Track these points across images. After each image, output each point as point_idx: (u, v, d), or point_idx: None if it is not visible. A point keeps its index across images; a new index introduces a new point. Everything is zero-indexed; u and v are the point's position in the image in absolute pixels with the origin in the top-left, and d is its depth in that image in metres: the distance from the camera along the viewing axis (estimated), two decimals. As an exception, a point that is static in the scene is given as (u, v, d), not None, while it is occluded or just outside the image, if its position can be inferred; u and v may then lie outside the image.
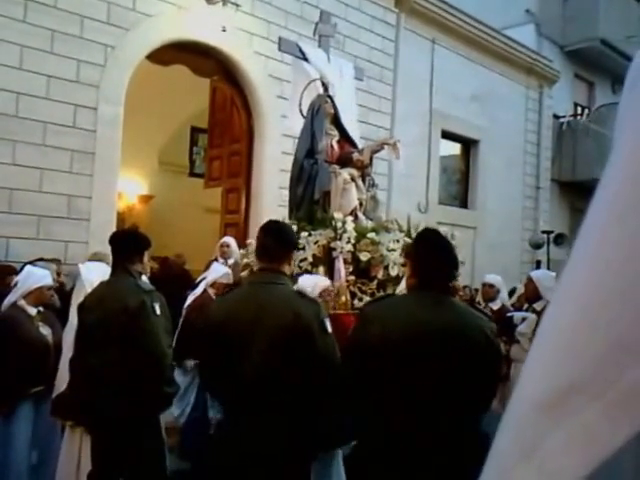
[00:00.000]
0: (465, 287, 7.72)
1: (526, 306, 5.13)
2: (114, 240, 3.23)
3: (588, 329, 0.49)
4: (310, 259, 4.31)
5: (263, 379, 2.33)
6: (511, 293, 8.31)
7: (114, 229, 6.23)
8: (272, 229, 2.67)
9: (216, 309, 2.64)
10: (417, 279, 2.29)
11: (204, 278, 5.26)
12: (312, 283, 3.57)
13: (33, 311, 3.96)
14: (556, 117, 14.30)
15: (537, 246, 12.43)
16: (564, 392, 0.48)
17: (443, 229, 5.27)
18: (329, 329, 2.42)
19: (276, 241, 2.58)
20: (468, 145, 12.16)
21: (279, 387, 2.33)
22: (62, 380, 3.52)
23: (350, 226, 4.31)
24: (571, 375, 0.48)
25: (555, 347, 0.51)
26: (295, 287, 2.93)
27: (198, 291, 5.14)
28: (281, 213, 5.42)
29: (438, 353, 2.08)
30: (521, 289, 6.82)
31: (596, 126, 13.85)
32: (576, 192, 13.79)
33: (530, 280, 4.81)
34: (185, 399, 4.82)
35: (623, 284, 0.47)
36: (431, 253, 2.28)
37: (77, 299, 3.44)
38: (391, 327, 2.15)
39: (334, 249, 4.25)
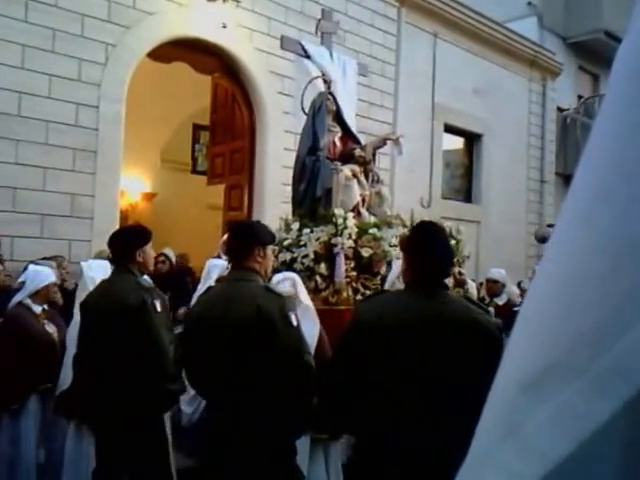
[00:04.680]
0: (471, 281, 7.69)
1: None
2: (111, 239, 3.23)
3: (569, 307, 0.50)
4: (312, 255, 4.30)
5: (230, 369, 2.47)
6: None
7: (117, 227, 6.24)
8: (234, 229, 2.85)
9: (195, 305, 2.82)
10: (412, 274, 2.26)
11: (207, 277, 5.05)
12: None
13: (38, 309, 3.98)
14: (560, 110, 14.22)
15: (543, 240, 12.38)
16: (547, 370, 0.49)
17: (447, 223, 5.26)
18: (294, 322, 2.51)
19: (237, 240, 2.74)
20: (471, 139, 12.12)
21: (246, 376, 2.46)
22: (66, 378, 3.54)
23: (351, 222, 4.30)
24: (553, 353, 0.50)
25: (537, 326, 0.53)
26: (289, 285, 3.12)
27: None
28: (284, 209, 5.41)
29: (432, 342, 2.06)
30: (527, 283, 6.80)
31: (585, 118, 13.76)
32: (581, 185, 13.67)
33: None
34: (198, 397, 4.76)
35: (606, 261, 0.49)
36: (427, 248, 2.24)
37: (80, 297, 3.45)
38: (385, 317, 2.15)
39: (335, 245, 4.24)
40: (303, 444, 3.37)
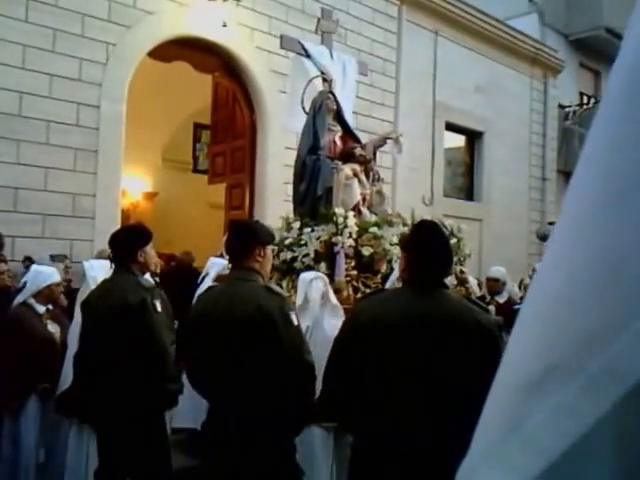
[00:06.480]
0: (473, 279, 7.69)
1: (532, 298, 5.11)
2: (111, 239, 3.23)
3: (570, 310, 0.52)
4: (312, 255, 4.31)
5: (231, 369, 2.49)
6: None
7: (119, 226, 6.25)
8: (234, 229, 2.85)
9: (196, 305, 2.83)
10: (410, 273, 2.24)
11: (207, 274, 5.01)
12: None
13: (42, 309, 3.98)
14: (561, 107, 14.20)
15: (544, 238, 12.37)
16: (545, 372, 0.52)
17: (448, 222, 5.26)
18: (295, 321, 2.53)
19: (237, 240, 2.75)
20: (473, 137, 12.11)
21: (246, 376, 2.46)
22: (66, 377, 3.54)
23: (351, 221, 4.31)
24: (553, 355, 0.52)
25: (538, 329, 0.55)
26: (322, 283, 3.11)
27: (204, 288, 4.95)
28: (285, 208, 5.41)
29: (430, 341, 2.04)
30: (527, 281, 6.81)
31: (582, 129, 13.68)
32: (582, 183, 13.63)
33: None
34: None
35: (606, 265, 0.50)
36: (425, 247, 2.22)
37: (82, 297, 3.45)
38: (381, 315, 2.14)
39: (335, 244, 4.24)
40: (326, 444, 3.37)
